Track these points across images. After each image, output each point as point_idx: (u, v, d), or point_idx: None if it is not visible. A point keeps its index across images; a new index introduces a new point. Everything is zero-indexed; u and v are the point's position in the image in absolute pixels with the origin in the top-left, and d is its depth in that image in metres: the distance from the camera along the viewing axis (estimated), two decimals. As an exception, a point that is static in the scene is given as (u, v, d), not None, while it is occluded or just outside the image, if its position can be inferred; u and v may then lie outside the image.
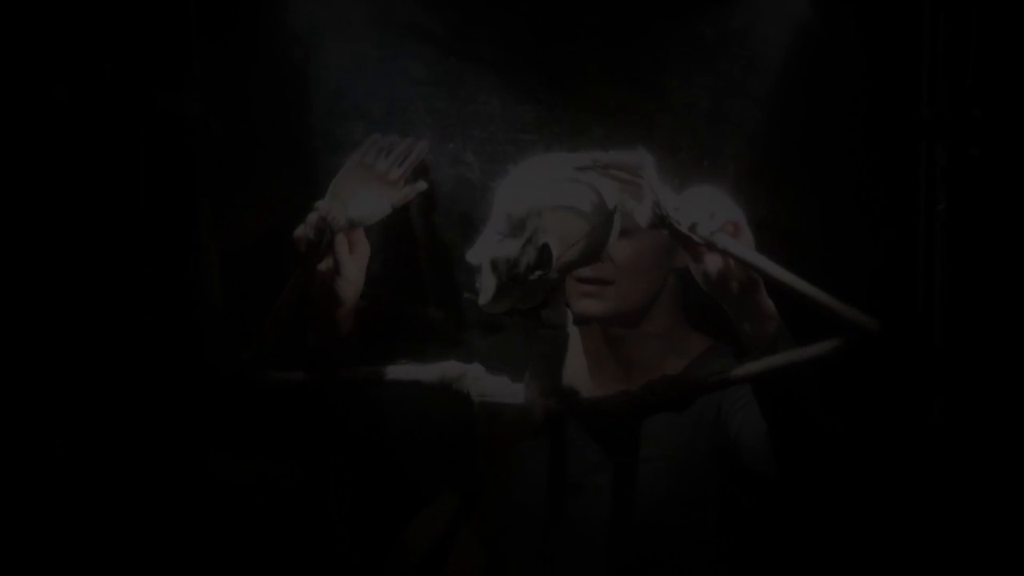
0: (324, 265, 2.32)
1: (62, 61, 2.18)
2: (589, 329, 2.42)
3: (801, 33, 2.40)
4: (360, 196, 2.33)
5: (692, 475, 2.36)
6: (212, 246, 2.39)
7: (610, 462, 2.26)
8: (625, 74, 2.50)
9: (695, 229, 2.12)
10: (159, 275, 2.25)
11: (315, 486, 2.43)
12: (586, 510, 2.35)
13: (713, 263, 2.16)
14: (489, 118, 2.50)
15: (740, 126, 2.46)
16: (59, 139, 2.18)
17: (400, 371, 2.29)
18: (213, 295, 2.37)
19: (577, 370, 2.23)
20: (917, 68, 2.07)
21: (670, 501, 2.35)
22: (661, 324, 2.44)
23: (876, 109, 2.36)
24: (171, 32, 2.30)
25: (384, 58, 2.51)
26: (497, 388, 2.27)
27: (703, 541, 2.38)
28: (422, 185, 2.42)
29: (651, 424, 2.28)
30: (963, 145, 2.06)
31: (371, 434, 2.45)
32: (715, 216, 2.13)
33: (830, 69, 2.40)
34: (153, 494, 2.26)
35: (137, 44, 2.22)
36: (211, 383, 2.37)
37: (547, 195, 2.16)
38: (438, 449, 2.45)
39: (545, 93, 2.49)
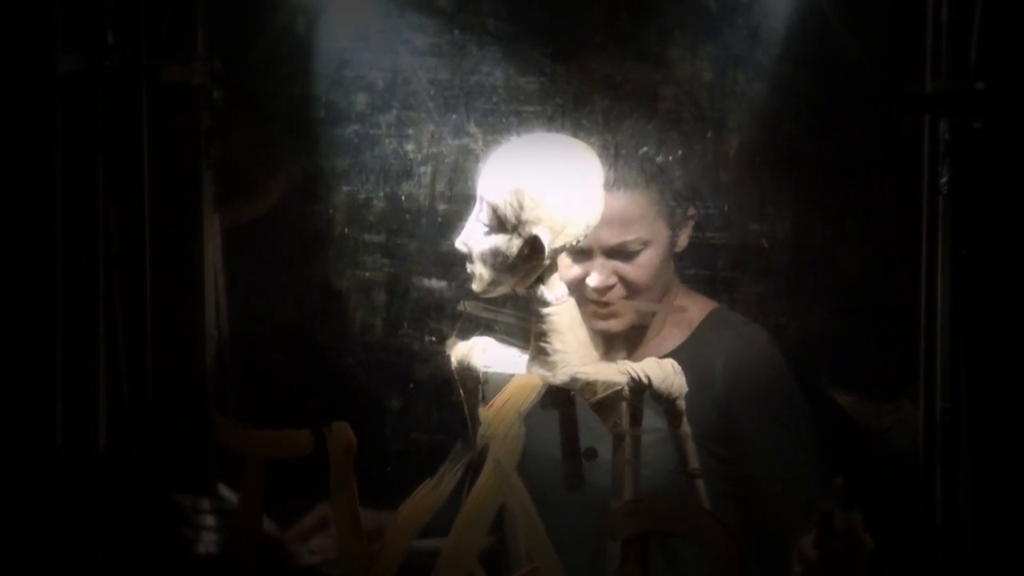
0: None
1: (65, 31, 2.18)
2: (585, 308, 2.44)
3: (804, 4, 2.39)
4: None
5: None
6: (215, 218, 2.39)
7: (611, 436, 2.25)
8: (629, 46, 2.49)
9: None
10: (163, 248, 2.25)
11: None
12: (605, 475, 2.34)
13: None
14: (492, 89, 2.51)
15: (743, 98, 2.46)
16: (61, 110, 2.18)
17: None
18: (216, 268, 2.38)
19: (580, 344, 2.23)
20: (920, 40, 2.06)
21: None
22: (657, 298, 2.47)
23: (879, 82, 2.35)
24: (175, 2, 2.30)
25: (387, 29, 2.51)
26: (504, 360, 2.28)
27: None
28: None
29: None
30: (967, 119, 2.04)
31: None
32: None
33: (833, 41, 2.39)
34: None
35: (140, 14, 2.22)
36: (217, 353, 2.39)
37: (527, 181, 2.13)
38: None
39: (548, 65, 2.49)
